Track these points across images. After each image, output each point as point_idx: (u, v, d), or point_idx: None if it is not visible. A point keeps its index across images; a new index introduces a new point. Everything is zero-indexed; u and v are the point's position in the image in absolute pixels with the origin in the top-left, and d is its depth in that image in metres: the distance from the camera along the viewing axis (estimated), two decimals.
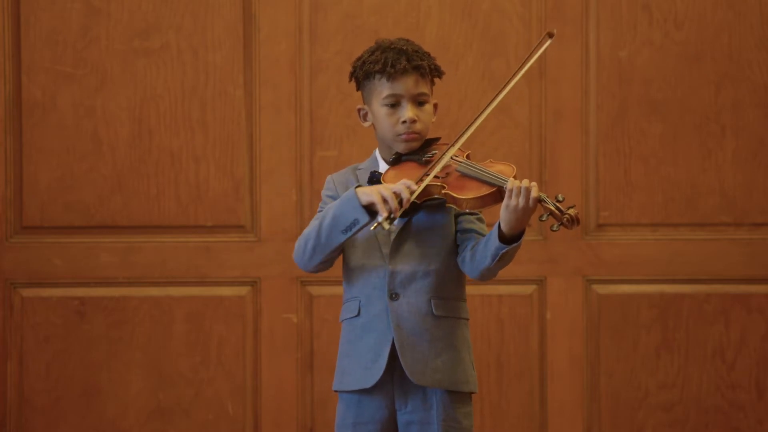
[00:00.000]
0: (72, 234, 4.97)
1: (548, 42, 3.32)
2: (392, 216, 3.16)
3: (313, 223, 3.31)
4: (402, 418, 3.32)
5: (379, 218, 3.16)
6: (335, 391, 3.39)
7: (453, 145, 3.28)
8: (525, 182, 3.13)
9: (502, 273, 4.84)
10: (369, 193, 3.20)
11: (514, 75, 3.32)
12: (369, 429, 3.32)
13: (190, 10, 4.96)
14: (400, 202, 3.17)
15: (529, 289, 4.96)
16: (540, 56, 4.90)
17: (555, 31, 3.35)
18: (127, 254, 4.96)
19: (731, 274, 4.96)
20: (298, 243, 3.34)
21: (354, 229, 3.23)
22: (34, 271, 4.97)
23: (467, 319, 3.38)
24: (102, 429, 4.96)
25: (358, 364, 3.32)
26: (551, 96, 4.95)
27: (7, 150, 4.96)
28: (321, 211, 3.38)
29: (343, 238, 3.25)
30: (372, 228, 3.19)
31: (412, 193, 3.18)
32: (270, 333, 4.96)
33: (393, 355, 3.29)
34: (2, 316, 4.96)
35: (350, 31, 4.93)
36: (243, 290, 4.97)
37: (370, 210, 3.20)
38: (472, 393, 3.36)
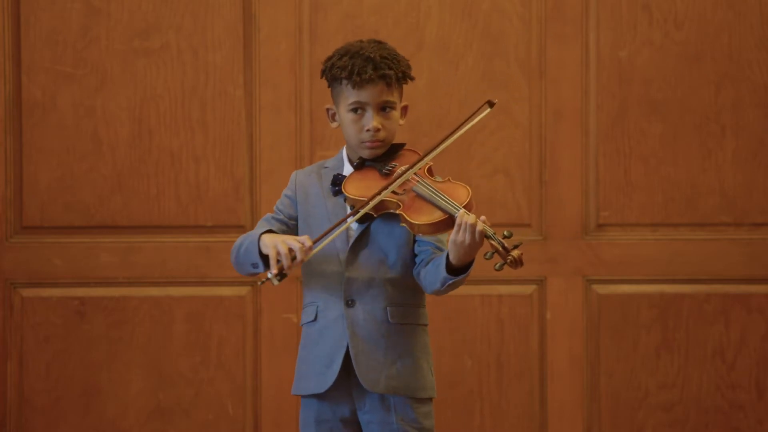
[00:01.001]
0: (72, 234, 4.97)
1: (487, 110, 3.30)
2: (284, 272, 3.16)
3: (245, 237, 3.33)
4: (362, 418, 3.33)
5: (269, 274, 3.17)
6: (293, 394, 3.40)
7: (413, 165, 3.26)
8: (471, 218, 3.10)
9: (502, 273, 4.84)
10: (268, 246, 3.20)
11: (450, 135, 3.29)
12: (331, 426, 3.34)
13: (190, 10, 4.96)
14: (295, 260, 3.17)
15: (529, 289, 4.95)
16: (540, 56, 4.95)
17: (497, 101, 3.33)
18: (127, 254, 4.96)
19: (731, 274, 4.96)
20: (233, 248, 3.37)
21: (257, 271, 3.28)
22: (34, 271, 4.97)
23: (426, 325, 3.38)
24: (102, 429, 4.96)
25: (313, 369, 3.35)
26: (551, 96, 4.94)
27: (7, 150, 4.96)
28: (276, 208, 3.43)
29: (253, 270, 3.30)
30: (259, 284, 3.24)
31: (306, 253, 3.17)
32: (270, 333, 4.96)
33: (348, 360, 3.30)
34: (2, 316, 4.96)
35: (350, 31, 4.93)
36: (243, 290, 4.97)
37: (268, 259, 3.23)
38: (432, 398, 3.37)
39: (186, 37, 4.96)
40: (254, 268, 3.28)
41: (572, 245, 4.94)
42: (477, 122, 3.30)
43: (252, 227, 4.95)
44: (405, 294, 3.34)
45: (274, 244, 3.19)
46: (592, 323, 4.96)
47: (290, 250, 3.17)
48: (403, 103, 3.38)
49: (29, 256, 4.97)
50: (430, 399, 3.36)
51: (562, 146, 4.96)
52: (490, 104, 3.28)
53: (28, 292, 4.97)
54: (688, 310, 4.96)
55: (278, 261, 3.18)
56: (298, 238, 3.20)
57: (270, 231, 3.30)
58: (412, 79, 3.37)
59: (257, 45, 4.96)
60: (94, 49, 4.96)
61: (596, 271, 4.95)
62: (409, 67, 3.36)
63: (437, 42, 4.94)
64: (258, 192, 4.96)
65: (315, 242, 3.22)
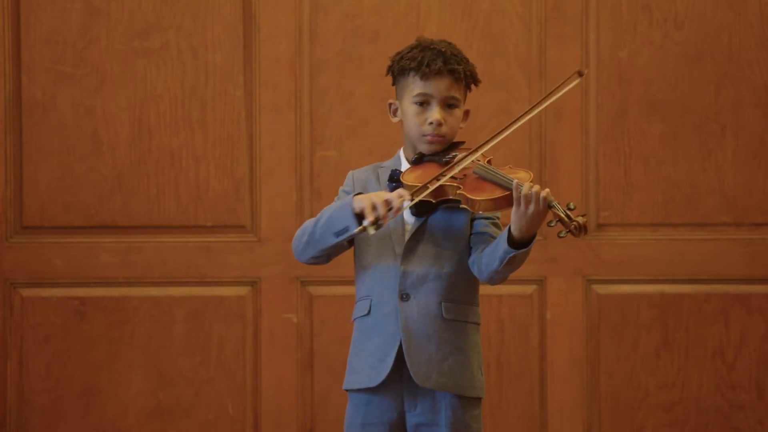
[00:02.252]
0: (72, 234, 4.97)
1: (576, 80, 3.31)
2: (379, 222, 3.15)
3: (320, 214, 3.32)
4: (411, 420, 3.31)
5: (365, 222, 3.15)
6: (345, 390, 3.39)
7: (475, 151, 3.28)
8: (536, 187, 3.11)
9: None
10: (361, 200, 3.20)
11: (541, 102, 3.30)
12: (378, 430, 3.32)
13: (190, 10, 4.96)
14: (391, 210, 3.15)
15: (529, 289, 4.95)
16: (540, 56, 4.95)
17: (586, 71, 3.34)
18: (127, 254, 4.96)
19: (731, 274, 4.96)
20: (298, 232, 3.36)
21: (345, 235, 3.24)
22: (34, 271, 4.97)
23: (478, 324, 3.39)
24: (102, 429, 4.96)
25: (365, 363, 3.33)
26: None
27: (7, 150, 4.96)
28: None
29: (335, 240, 3.26)
30: (356, 231, 3.20)
31: (404, 203, 3.16)
32: (270, 333, 4.96)
33: (400, 356, 3.29)
34: (2, 316, 4.96)
35: (350, 31, 4.93)
36: (243, 290, 4.97)
37: (362, 218, 3.20)
38: (480, 398, 3.36)
39: (186, 37, 4.96)
40: (336, 236, 3.24)
41: (572, 245, 4.94)
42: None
43: (252, 227, 4.96)
44: (460, 290, 3.34)
45: (369, 198, 3.17)
46: (592, 323, 4.96)
47: (386, 201, 3.15)
48: (466, 107, 3.39)
49: (29, 256, 4.97)
50: (479, 401, 3.35)
51: (562, 146, 4.96)
52: (580, 74, 3.30)
53: (28, 292, 4.97)
54: (688, 310, 4.96)
55: (374, 209, 3.15)
56: (395, 191, 3.18)
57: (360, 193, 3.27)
58: (478, 82, 3.39)
59: (257, 45, 4.96)
60: (94, 49, 4.96)
61: (596, 271, 4.95)
62: (475, 70, 3.38)
63: None
64: (258, 192, 4.96)
65: (413, 195, 3.20)
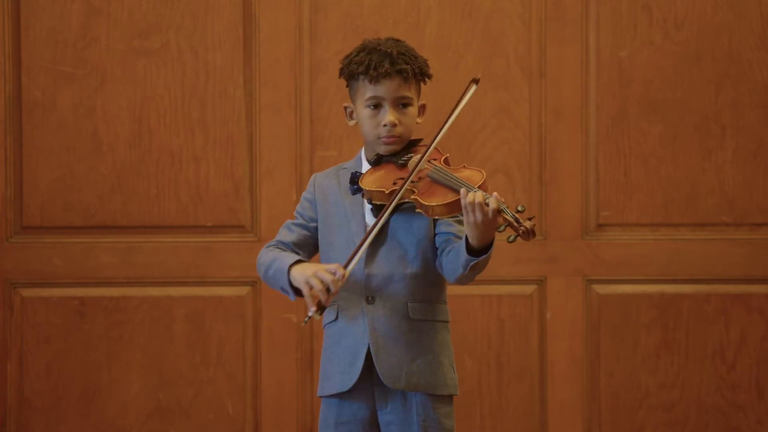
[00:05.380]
0: (72, 234, 4.97)
1: (473, 88, 3.31)
2: (322, 306, 3.19)
3: (272, 259, 3.34)
4: (383, 419, 3.33)
5: (310, 313, 3.20)
6: (319, 396, 3.40)
7: (423, 156, 3.27)
8: (479, 195, 3.08)
9: (503, 273, 4.87)
10: (299, 280, 3.23)
11: (450, 115, 3.30)
12: (351, 428, 3.33)
13: (190, 10, 4.96)
14: (330, 291, 3.19)
15: (529, 289, 4.96)
16: (540, 56, 4.95)
17: (480, 76, 3.35)
18: (127, 254, 4.96)
19: (731, 274, 4.96)
20: (258, 263, 3.39)
21: (287, 294, 3.30)
22: (34, 271, 4.97)
23: (447, 322, 3.37)
24: (102, 429, 4.96)
25: (337, 369, 3.34)
26: (551, 96, 4.95)
27: (7, 150, 4.97)
28: (296, 212, 3.45)
29: (282, 293, 3.32)
30: (303, 324, 3.36)
31: (340, 282, 3.18)
32: (270, 333, 4.96)
33: (370, 358, 3.30)
34: (2, 316, 4.96)
35: (350, 31, 4.93)
36: (243, 290, 4.97)
37: (299, 290, 3.25)
38: (452, 395, 3.36)
39: (186, 37, 4.96)
40: (284, 292, 3.31)
41: (572, 245, 4.94)
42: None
43: (252, 227, 4.96)
44: (426, 290, 3.33)
45: (306, 280, 3.21)
46: (592, 323, 4.96)
47: (323, 283, 3.18)
48: (421, 102, 3.39)
49: (29, 256, 4.97)
50: (451, 398, 3.35)
51: (562, 146, 4.96)
52: (475, 81, 3.29)
53: (28, 292, 4.97)
54: (688, 310, 4.96)
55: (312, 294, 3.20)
56: (328, 268, 3.21)
57: (299, 261, 3.29)
58: (429, 77, 3.38)
59: (257, 45, 4.96)
60: (94, 49, 4.96)
61: (596, 271, 4.95)
62: (426, 65, 3.37)
63: (437, 42, 4.94)
64: (258, 192, 4.96)
65: (345, 266, 3.22)
